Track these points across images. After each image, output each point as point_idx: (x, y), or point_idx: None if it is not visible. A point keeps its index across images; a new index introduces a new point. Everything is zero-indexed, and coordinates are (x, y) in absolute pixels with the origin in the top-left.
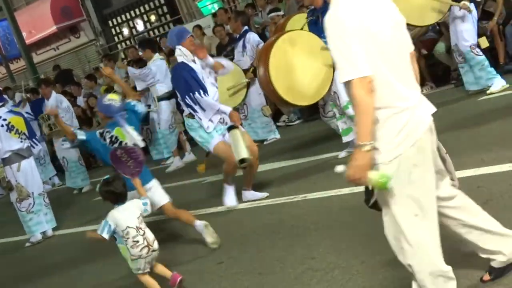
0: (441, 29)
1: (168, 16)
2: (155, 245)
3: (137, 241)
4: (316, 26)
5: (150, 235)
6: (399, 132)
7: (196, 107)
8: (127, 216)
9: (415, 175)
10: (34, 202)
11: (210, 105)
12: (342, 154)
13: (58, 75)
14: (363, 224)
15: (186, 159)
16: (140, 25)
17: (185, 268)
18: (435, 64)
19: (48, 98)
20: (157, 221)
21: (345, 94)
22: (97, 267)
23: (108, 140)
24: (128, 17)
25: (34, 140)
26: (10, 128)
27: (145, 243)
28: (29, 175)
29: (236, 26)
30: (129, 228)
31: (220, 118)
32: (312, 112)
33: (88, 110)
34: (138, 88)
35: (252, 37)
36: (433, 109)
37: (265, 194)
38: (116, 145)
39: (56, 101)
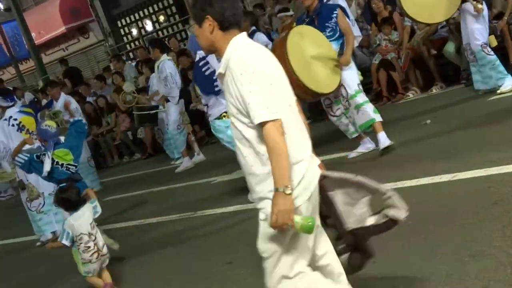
0: (450, 29)
1: (177, 16)
2: (105, 250)
3: (89, 247)
4: (314, 24)
5: (100, 241)
6: (298, 184)
7: None
8: (81, 223)
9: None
10: (44, 202)
11: None
12: (351, 154)
13: (66, 72)
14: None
15: (195, 159)
16: (149, 26)
17: (194, 269)
18: (445, 64)
19: (56, 99)
20: (167, 222)
21: (353, 84)
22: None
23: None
24: (137, 17)
25: None
26: (21, 128)
27: (96, 249)
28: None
29: (244, 26)
30: (82, 234)
31: None
32: (320, 112)
33: (98, 111)
34: (160, 90)
35: (260, 38)
36: (319, 161)
37: None
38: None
39: (64, 102)
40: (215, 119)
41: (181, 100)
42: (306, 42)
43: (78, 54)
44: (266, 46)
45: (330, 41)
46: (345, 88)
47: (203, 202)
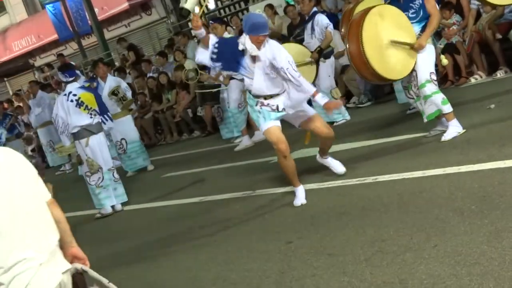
0: None
1: None
2: None
3: None
4: (398, 3)
5: None
6: None
7: None
8: None
9: None
10: (103, 177)
11: None
12: (431, 132)
13: (131, 45)
14: (435, 208)
15: (255, 138)
16: (211, 4)
17: (254, 247)
18: (511, 48)
19: (104, 79)
20: (226, 200)
21: (424, 73)
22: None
23: None
24: None
25: (105, 116)
26: (80, 103)
27: None
28: (97, 151)
29: (306, 6)
30: None
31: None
32: (383, 93)
33: (159, 87)
34: (213, 72)
35: (321, 20)
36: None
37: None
38: None
39: (115, 81)
40: None
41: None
42: (386, 23)
43: (140, 31)
44: (326, 28)
45: (412, 23)
46: (416, 75)
47: (262, 181)
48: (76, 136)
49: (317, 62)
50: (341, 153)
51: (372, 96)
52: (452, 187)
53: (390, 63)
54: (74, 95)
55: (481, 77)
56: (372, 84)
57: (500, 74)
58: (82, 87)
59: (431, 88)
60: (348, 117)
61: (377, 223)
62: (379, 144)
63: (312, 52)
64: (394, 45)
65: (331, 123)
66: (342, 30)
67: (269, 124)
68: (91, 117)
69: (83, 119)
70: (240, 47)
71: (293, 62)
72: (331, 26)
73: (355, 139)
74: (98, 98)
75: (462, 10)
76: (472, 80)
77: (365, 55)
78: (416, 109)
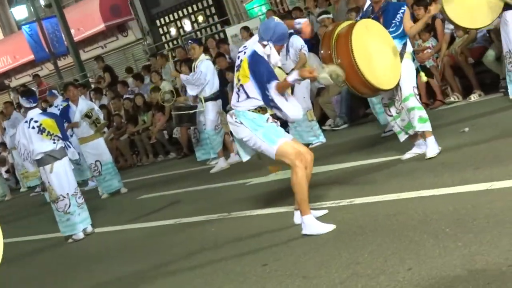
0: (491, 37)
1: (215, 17)
2: None
3: None
4: (379, 21)
5: None
6: None
7: None
8: None
9: None
10: (70, 202)
11: None
12: (406, 156)
13: (106, 66)
14: (410, 231)
15: (231, 160)
16: (187, 25)
17: (230, 269)
18: (484, 72)
19: (74, 101)
20: (201, 222)
21: (408, 87)
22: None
23: None
24: (176, 17)
25: (68, 141)
26: (42, 130)
27: None
28: (63, 176)
29: None
30: None
31: None
32: (358, 116)
33: (135, 108)
34: (191, 93)
35: (295, 41)
36: None
37: (325, 211)
38: None
39: (86, 104)
40: None
41: (219, 101)
42: (371, 35)
43: (116, 52)
44: (301, 49)
45: (393, 37)
46: (400, 89)
47: (238, 203)
48: (40, 162)
49: None
50: (317, 175)
51: (348, 119)
52: (426, 210)
53: (379, 73)
54: (36, 121)
55: (458, 98)
56: (348, 107)
57: (474, 97)
58: (43, 113)
59: (414, 101)
60: (323, 140)
61: (352, 245)
62: (354, 167)
63: (287, 73)
64: (381, 56)
65: (306, 145)
66: (322, 51)
67: (285, 138)
68: (54, 143)
69: (46, 145)
70: (265, 56)
71: None
72: (305, 47)
73: (330, 162)
74: (60, 123)
75: (436, 34)
76: (452, 99)
77: (357, 65)
78: (392, 131)
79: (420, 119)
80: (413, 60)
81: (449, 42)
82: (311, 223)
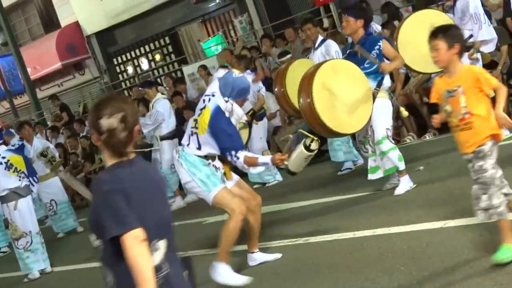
0: None
1: (173, 55)
2: None
3: None
4: (355, 58)
5: None
6: None
7: None
8: None
9: None
10: (32, 240)
11: None
12: (388, 185)
13: (63, 105)
14: (365, 268)
15: (188, 199)
16: (145, 64)
17: None
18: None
19: (29, 141)
20: None
21: (381, 129)
22: None
23: None
24: (133, 55)
25: (34, 178)
26: (9, 166)
27: None
28: (27, 214)
29: (239, 70)
30: None
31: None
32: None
33: (92, 147)
34: (145, 131)
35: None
36: None
37: (277, 255)
38: None
39: (41, 143)
40: None
41: (175, 140)
42: (339, 77)
43: (73, 90)
44: (259, 90)
45: (367, 73)
46: (372, 131)
47: (195, 242)
48: (4, 199)
49: (249, 124)
50: (273, 214)
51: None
52: (382, 248)
53: (342, 116)
54: (3, 157)
55: (413, 138)
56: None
57: (428, 136)
58: (10, 150)
59: (387, 145)
60: (280, 178)
61: (309, 283)
62: (310, 205)
63: (246, 113)
64: (348, 99)
65: (263, 184)
66: (276, 89)
67: (220, 187)
68: (19, 180)
69: (12, 182)
70: (227, 114)
71: None
72: (263, 89)
73: (286, 201)
74: (26, 160)
75: (392, 74)
76: (408, 140)
77: (315, 110)
78: (349, 169)
79: (399, 157)
80: (390, 97)
81: (404, 82)
82: (224, 272)
